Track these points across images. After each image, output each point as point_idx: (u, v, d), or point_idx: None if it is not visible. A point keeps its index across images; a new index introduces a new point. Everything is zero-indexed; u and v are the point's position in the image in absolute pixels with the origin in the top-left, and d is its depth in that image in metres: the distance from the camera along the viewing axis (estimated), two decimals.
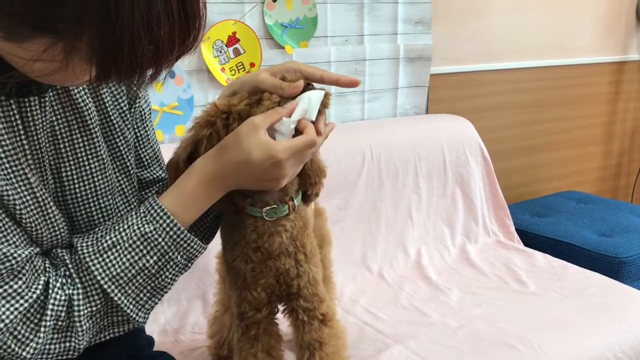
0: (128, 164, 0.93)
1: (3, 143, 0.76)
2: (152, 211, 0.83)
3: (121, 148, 0.92)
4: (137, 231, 0.82)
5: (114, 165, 0.92)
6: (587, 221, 2.24)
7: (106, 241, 0.82)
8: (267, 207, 0.96)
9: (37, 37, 0.63)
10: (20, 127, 0.78)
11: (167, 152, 1.11)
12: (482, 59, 2.42)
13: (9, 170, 0.76)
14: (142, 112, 0.97)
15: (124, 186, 0.93)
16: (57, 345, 0.80)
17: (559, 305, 1.64)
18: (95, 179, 0.88)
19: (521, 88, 2.58)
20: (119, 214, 0.91)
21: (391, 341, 1.46)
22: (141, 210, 0.84)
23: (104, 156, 0.89)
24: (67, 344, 0.81)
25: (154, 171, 1.01)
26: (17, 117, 0.78)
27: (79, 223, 0.87)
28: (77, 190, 0.86)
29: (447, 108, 2.30)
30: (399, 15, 2.09)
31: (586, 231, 2.15)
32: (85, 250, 0.81)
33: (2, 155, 0.75)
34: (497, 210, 2.17)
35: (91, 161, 0.87)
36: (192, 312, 1.58)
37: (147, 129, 0.99)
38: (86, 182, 0.87)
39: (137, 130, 0.97)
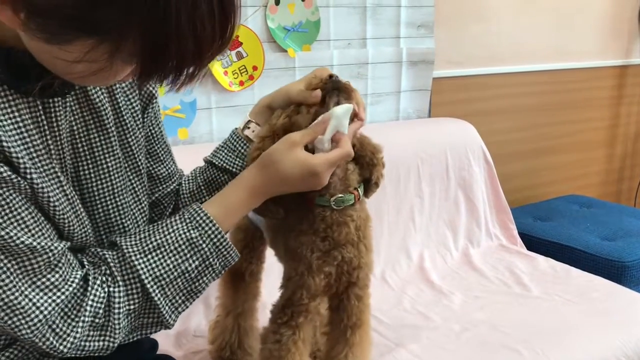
0: (139, 163, 0.95)
1: (34, 142, 0.78)
2: (198, 218, 0.88)
3: (133, 147, 0.93)
4: (183, 235, 0.86)
5: (126, 164, 0.93)
6: (590, 225, 2.23)
7: (151, 242, 0.85)
8: (335, 197, 1.00)
9: (81, 39, 0.64)
10: (46, 127, 0.80)
11: None
12: (485, 63, 2.42)
13: (42, 169, 0.78)
14: (155, 110, 1.00)
15: (134, 185, 0.95)
16: (93, 343, 0.82)
17: (562, 309, 1.63)
18: (112, 177, 0.90)
19: (524, 92, 2.58)
20: (131, 213, 0.93)
21: (394, 345, 1.45)
22: (186, 216, 0.88)
23: (119, 155, 0.91)
24: (102, 342, 0.82)
25: (169, 165, 1.04)
26: (42, 117, 0.79)
27: (96, 221, 0.89)
28: (95, 189, 0.88)
29: (450, 111, 2.30)
30: (401, 19, 2.10)
31: (589, 235, 2.14)
32: (130, 249, 0.84)
33: (35, 154, 0.77)
34: (499, 214, 2.17)
35: (108, 160, 0.89)
36: (194, 315, 1.58)
37: (159, 125, 1.02)
38: (104, 181, 0.89)
39: (151, 127, 0.99)
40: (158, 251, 0.85)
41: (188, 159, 1.23)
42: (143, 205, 0.97)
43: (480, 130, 2.16)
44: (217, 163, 1.06)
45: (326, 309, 1.15)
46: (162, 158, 1.03)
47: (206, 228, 0.87)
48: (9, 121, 0.75)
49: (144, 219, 0.97)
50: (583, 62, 2.72)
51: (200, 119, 1.80)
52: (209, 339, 1.38)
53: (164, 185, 1.04)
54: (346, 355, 1.10)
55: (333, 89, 0.97)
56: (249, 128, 1.06)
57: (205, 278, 0.88)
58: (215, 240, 0.87)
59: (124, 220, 0.92)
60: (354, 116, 0.99)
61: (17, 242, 0.73)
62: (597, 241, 2.10)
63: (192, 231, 0.86)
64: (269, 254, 1.29)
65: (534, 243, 2.17)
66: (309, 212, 1.02)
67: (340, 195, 1.01)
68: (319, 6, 1.93)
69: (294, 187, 0.94)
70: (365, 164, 1.06)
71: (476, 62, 2.40)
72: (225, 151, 1.07)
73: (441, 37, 2.23)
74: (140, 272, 0.83)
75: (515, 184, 2.60)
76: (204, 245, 0.87)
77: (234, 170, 1.05)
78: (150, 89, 0.97)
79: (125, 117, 0.92)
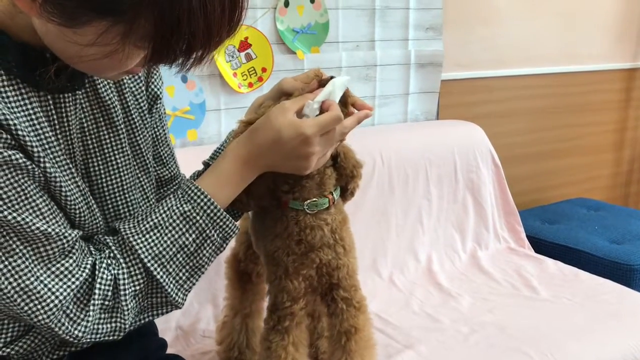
0: (147, 161, 0.96)
1: (46, 134, 0.79)
2: (190, 192, 0.87)
3: (141, 146, 0.94)
4: (177, 210, 0.86)
5: (135, 162, 0.94)
6: (598, 228, 2.22)
7: (147, 222, 0.85)
8: (309, 201, 0.99)
9: (95, 21, 0.65)
10: (57, 122, 0.81)
11: (179, 156, 1.12)
12: (493, 65, 2.42)
13: (55, 160, 0.79)
14: (160, 112, 1.00)
15: (143, 182, 0.95)
16: (105, 326, 0.82)
17: (571, 312, 1.63)
18: (122, 174, 0.90)
19: (532, 94, 2.57)
20: (139, 209, 0.94)
21: (402, 346, 1.45)
22: (179, 193, 0.87)
23: (128, 152, 0.92)
24: (114, 324, 0.83)
25: (172, 168, 1.05)
26: (53, 112, 0.81)
27: (105, 216, 0.90)
28: (105, 185, 0.89)
29: (458, 114, 2.30)
30: (410, 21, 2.10)
31: (597, 238, 2.14)
32: (128, 232, 0.84)
33: (47, 146, 0.79)
34: (507, 216, 2.16)
35: (117, 157, 0.90)
36: (203, 315, 1.58)
37: (164, 128, 1.02)
38: (113, 177, 0.89)
39: (156, 130, 1.00)
40: (155, 230, 0.85)
41: (197, 159, 1.22)
42: (151, 202, 0.97)
43: (488, 133, 2.16)
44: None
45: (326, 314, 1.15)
46: (165, 161, 1.03)
47: (198, 200, 0.86)
48: (22, 113, 0.76)
49: None
50: (591, 65, 2.71)
51: (210, 120, 1.81)
52: (216, 340, 1.39)
53: (165, 188, 1.05)
54: None
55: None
56: None
57: (205, 251, 0.87)
58: (208, 211, 0.86)
59: (144, 208, 0.93)
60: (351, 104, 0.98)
61: (33, 228, 0.74)
62: (605, 244, 2.09)
63: (184, 205, 0.86)
64: None
65: (541, 246, 2.16)
66: (282, 215, 1.01)
67: (314, 199, 0.99)
68: (327, 8, 1.93)
69: (285, 155, 0.89)
70: (345, 175, 1.05)
71: (484, 65, 2.40)
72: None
73: (449, 39, 2.23)
74: (140, 252, 0.83)
75: (523, 187, 2.60)
76: (198, 218, 0.86)
77: None
78: (156, 89, 0.97)
79: (133, 116, 0.93)
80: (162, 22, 0.65)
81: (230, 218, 0.89)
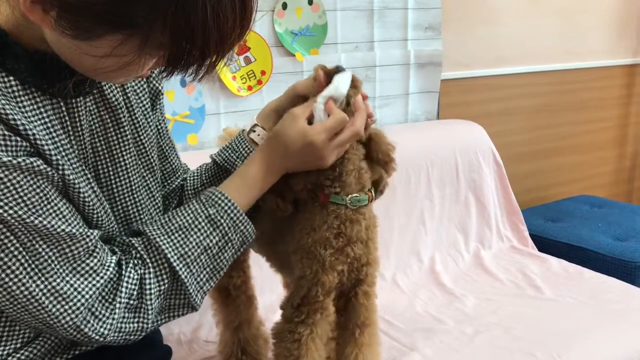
0: (152, 160, 0.96)
1: (62, 141, 0.80)
2: (214, 196, 0.91)
3: (145, 145, 0.95)
4: (202, 213, 0.89)
5: (140, 161, 0.95)
6: (602, 225, 2.21)
7: (173, 224, 0.88)
8: (351, 196, 1.01)
9: (111, 34, 0.66)
10: (70, 127, 0.82)
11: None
12: (493, 64, 2.41)
13: (70, 165, 0.81)
14: (161, 107, 1.02)
15: (148, 181, 0.96)
16: (129, 325, 0.84)
17: (576, 311, 1.62)
18: (130, 174, 0.91)
19: (532, 92, 2.56)
20: (146, 209, 0.95)
21: (406, 349, 1.45)
22: (202, 198, 0.91)
23: (134, 152, 0.93)
24: (137, 324, 0.84)
25: (173, 160, 1.06)
26: (66, 118, 0.82)
27: (115, 217, 0.91)
28: (114, 186, 0.90)
29: (458, 113, 2.29)
30: (408, 21, 2.09)
31: (601, 236, 2.13)
32: (154, 233, 0.86)
33: (64, 153, 0.80)
34: (510, 215, 2.15)
35: (125, 157, 0.91)
36: (205, 321, 1.58)
37: (164, 121, 1.04)
38: (122, 179, 0.91)
39: (158, 124, 1.01)
40: (180, 231, 0.87)
41: (197, 164, 1.22)
42: (157, 201, 0.98)
43: (490, 132, 2.15)
44: (219, 161, 1.09)
45: (333, 312, 1.15)
46: (167, 154, 1.04)
47: (222, 204, 0.90)
48: (39, 121, 0.77)
49: (159, 215, 0.99)
50: (591, 61, 2.70)
51: (209, 124, 1.80)
52: (217, 350, 1.38)
53: (169, 181, 1.06)
54: (356, 356, 1.10)
55: (337, 73, 0.99)
56: (254, 131, 1.07)
57: (225, 254, 0.90)
58: (232, 215, 0.90)
59: (141, 216, 0.94)
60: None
61: (58, 230, 0.75)
62: (609, 241, 2.08)
63: (210, 209, 0.89)
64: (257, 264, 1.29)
65: (545, 244, 2.15)
66: (322, 209, 1.02)
67: (356, 195, 1.01)
68: (326, 10, 1.92)
69: (300, 161, 0.95)
70: (382, 162, 1.06)
71: (484, 64, 2.39)
72: (229, 151, 1.09)
73: (449, 38, 2.22)
74: (167, 251, 0.85)
75: (525, 185, 2.59)
76: (222, 221, 0.89)
77: (232, 170, 1.06)
78: (157, 84, 0.99)
79: (137, 115, 0.94)
80: (177, 34, 0.66)
81: (250, 222, 0.92)
